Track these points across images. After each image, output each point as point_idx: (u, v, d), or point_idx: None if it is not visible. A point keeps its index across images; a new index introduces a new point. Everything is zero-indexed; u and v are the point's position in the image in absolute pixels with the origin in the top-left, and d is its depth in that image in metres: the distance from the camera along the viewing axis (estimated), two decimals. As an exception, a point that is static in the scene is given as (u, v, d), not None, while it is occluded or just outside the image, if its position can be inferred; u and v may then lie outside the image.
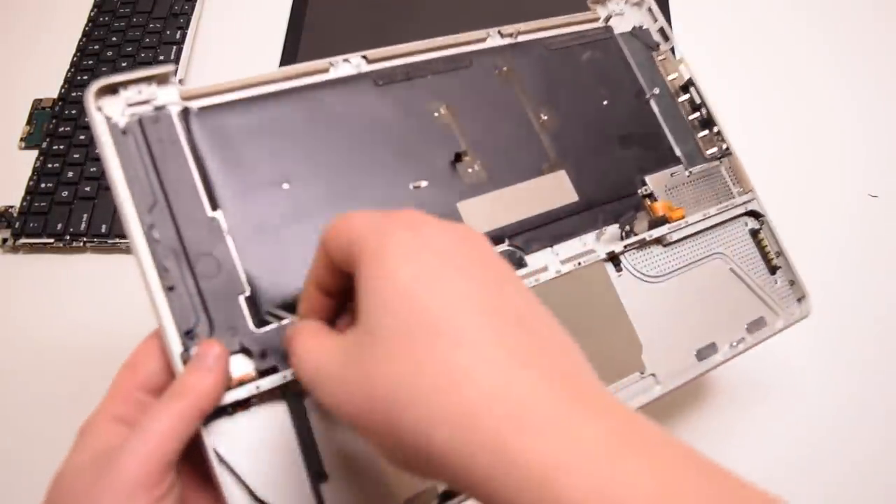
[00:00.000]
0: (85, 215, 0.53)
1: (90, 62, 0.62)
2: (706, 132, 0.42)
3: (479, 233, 0.24)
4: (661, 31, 0.43)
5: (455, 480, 0.20)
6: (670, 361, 0.36)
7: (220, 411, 0.27)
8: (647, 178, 0.39)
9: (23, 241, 0.54)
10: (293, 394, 0.28)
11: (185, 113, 0.30)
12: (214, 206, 0.29)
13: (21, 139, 0.60)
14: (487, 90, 0.37)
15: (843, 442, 0.46)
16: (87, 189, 0.54)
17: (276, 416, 0.28)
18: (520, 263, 0.34)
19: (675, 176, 0.40)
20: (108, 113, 0.28)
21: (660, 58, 0.42)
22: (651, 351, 0.36)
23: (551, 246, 0.35)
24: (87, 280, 0.53)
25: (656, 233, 0.37)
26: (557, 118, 0.38)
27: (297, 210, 0.31)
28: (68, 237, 0.52)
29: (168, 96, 0.30)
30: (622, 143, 0.39)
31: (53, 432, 0.30)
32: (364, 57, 0.34)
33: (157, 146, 0.29)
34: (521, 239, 0.35)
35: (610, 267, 0.36)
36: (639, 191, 0.39)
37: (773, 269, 0.41)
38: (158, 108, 0.29)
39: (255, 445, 0.27)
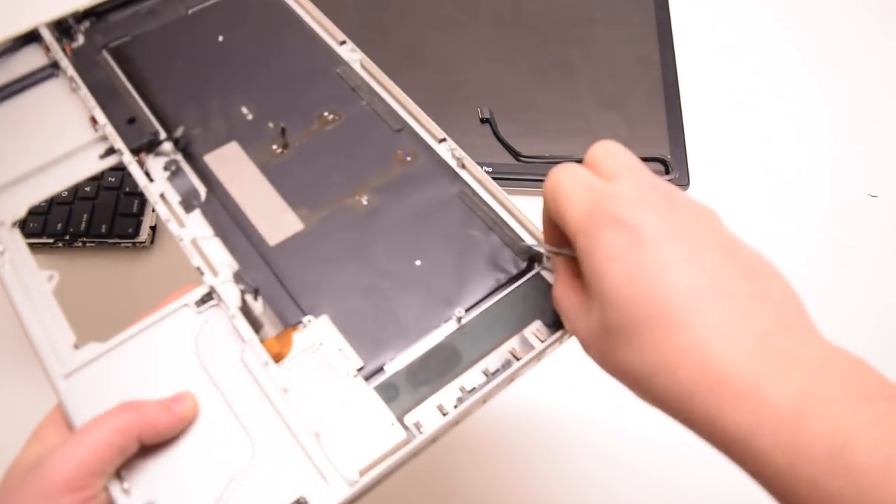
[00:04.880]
0: (85, 215, 0.53)
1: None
2: None
3: (684, 196, 0.26)
4: None
5: (690, 430, 0.23)
6: None
7: None
8: None
9: (23, 240, 0.54)
10: None
11: None
12: None
13: (21, 139, 0.60)
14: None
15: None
16: (87, 189, 0.54)
17: None
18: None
19: None
20: None
21: None
22: None
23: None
24: (86, 280, 0.53)
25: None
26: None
27: None
28: (68, 237, 0.52)
29: None
30: None
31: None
32: None
33: None
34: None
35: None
36: None
37: None
38: None
39: None
